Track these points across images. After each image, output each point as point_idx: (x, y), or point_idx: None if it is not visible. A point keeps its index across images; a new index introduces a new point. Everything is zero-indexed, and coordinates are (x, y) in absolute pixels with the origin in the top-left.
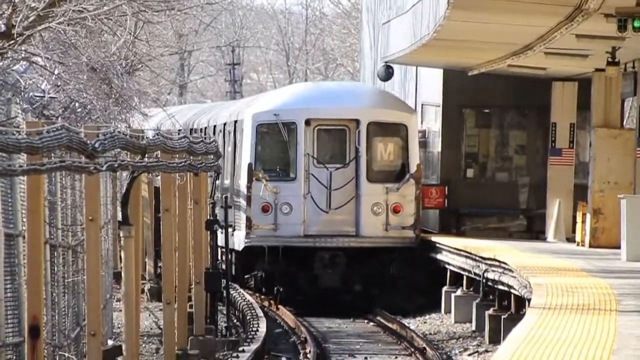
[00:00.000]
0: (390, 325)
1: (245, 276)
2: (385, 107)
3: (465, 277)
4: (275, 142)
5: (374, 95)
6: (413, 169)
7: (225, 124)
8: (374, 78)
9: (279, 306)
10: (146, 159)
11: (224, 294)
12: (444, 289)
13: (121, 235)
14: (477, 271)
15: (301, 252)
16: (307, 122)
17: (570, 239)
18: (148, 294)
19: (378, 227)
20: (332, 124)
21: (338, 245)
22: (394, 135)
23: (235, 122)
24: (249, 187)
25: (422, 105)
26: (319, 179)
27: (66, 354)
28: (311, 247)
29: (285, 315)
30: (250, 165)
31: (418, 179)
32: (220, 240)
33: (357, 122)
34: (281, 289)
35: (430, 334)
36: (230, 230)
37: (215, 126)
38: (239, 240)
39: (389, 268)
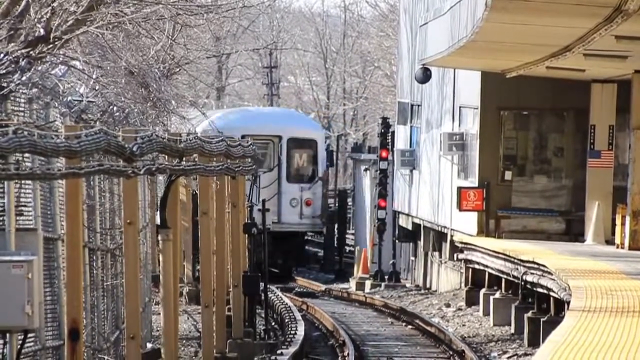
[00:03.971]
0: (428, 328)
1: None
2: (301, 126)
3: (503, 280)
4: None
5: (293, 117)
6: (321, 173)
7: None
8: (412, 80)
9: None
10: (184, 163)
11: (262, 297)
12: (482, 291)
13: (159, 238)
14: (515, 274)
15: None
16: (243, 137)
17: (610, 242)
18: (186, 297)
19: (294, 216)
20: (261, 139)
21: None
22: (307, 148)
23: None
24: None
25: (459, 107)
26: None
27: (105, 357)
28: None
29: (324, 318)
30: None
31: (325, 181)
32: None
33: (280, 137)
34: None
35: (469, 336)
36: None
37: None
38: None
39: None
